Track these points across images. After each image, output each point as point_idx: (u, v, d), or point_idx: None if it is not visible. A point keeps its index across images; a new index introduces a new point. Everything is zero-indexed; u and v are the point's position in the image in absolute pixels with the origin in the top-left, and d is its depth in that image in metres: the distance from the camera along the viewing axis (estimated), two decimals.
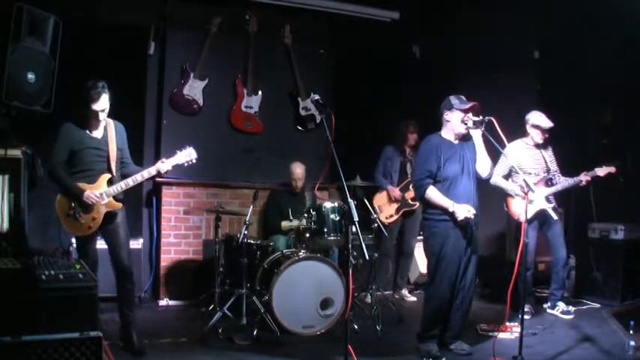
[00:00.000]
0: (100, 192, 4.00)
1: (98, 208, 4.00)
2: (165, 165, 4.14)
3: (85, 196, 3.95)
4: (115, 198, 4.07)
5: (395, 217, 5.98)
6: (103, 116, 4.04)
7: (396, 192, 5.97)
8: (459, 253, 4.04)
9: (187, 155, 4.27)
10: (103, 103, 3.98)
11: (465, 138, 4.15)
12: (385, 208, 6.01)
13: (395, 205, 6.00)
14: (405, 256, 6.23)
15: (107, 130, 4.12)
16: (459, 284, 4.10)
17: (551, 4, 6.26)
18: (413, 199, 5.96)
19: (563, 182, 5.21)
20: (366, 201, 5.43)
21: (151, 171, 4.11)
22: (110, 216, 4.08)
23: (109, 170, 4.08)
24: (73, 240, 5.35)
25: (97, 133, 4.09)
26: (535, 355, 4.12)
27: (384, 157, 6.10)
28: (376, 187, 6.04)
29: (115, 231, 4.12)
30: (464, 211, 3.93)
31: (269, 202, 5.94)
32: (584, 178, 5.12)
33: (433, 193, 4.02)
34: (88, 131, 4.05)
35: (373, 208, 5.57)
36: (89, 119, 4.03)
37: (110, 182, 4.08)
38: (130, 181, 4.08)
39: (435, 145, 4.11)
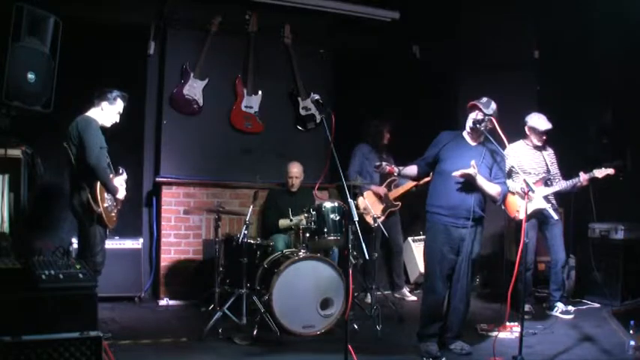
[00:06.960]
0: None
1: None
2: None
3: (120, 194, 4.34)
4: None
5: (382, 219, 5.93)
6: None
7: (380, 189, 5.95)
8: (454, 248, 4.04)
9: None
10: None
11: (484, 142, 4.15)
12: (373, 209, 5.92)
13: (381, 207, 5.97)
14: (395, 254, 6.23)
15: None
16: (455, 281, 4.10)
17: (551, 4, 6.26)
18: (396, 200, 5.98)
19: (561, 183, 5.21)
20: (367, 202, 5.41)
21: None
22: None
23: (110, 168, 4.34)
24: (74, 240, 5.38)
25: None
26: (535, 355, 4.11)
27: (361, 155, 6.02)
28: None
29: None
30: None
31: (267, 201, 5.92)
32: (582, 177, 5.10)
33: (408, 167, 4.30)
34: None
35: (364, 209, 5.57)
36: (104, 121, 4.32)
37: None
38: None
39: (442, 138, 4.21)
